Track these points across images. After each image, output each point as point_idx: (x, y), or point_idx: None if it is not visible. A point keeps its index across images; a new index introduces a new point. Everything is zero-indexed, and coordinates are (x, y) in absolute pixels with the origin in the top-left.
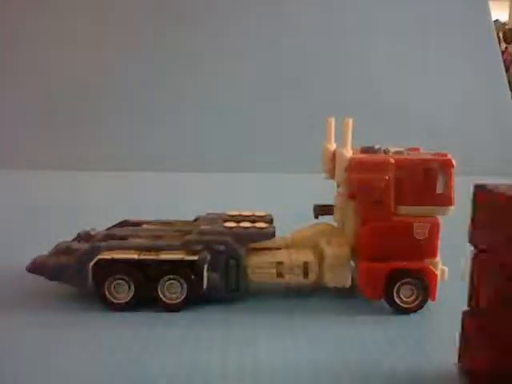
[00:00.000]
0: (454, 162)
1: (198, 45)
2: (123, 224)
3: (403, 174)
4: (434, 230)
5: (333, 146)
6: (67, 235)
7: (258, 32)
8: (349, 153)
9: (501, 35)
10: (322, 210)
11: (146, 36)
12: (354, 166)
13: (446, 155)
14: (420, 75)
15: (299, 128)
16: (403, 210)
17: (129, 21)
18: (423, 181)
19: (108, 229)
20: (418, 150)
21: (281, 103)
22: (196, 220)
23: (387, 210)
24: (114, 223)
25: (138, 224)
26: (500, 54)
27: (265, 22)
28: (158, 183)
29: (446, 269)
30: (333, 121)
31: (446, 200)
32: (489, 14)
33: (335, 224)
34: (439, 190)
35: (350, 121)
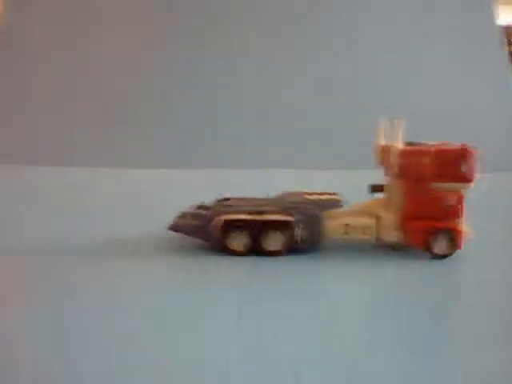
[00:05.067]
0: (473, 150)
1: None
2: (226, 200)
3: (438, 159)
4: (459, 199)
5: (383, 141)
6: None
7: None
8: (400, 145)
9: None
10: (375, 188)
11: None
12: (404, 154)
13: (466, 145)
14: (427, 78)
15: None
16: (438, 185)
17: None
18: (452, 164)
19: (217, 202)
20: (447, 143)
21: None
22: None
23: (427, 186)
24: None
25: (239, 200)
26: (507, 56)
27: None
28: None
29: (468, 228)
30: (384, 121)
31: (467, 178)
32: (495, 16)
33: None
34: (463, 171)
35: (402, 121)
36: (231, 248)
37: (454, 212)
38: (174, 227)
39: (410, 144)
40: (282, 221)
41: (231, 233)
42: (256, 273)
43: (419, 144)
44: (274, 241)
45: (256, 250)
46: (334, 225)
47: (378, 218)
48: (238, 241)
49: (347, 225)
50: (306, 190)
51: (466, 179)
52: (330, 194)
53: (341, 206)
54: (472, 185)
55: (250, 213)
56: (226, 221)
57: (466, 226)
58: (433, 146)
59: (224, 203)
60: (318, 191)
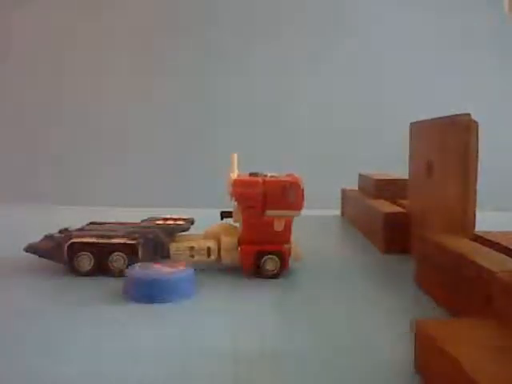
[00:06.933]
0: (299, 181)
1: None
2: (90, 224)
3: (267, 189)
4: (287, 225)
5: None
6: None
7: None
8: (235, 175)
9: None
10: (225, 214)
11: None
12: (237, 183)
13: (294, 176)
14: None
15: None
16: (268, 213)
17: None
18: (280, 194)
19: (79, 228)
20: (286, 175)
21: None
22: (142, 222)
23: (258, 213)
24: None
25: (102, 223)
26: None
27: None
28: None
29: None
30: (236, 156)
31: (295, 207)
32: None
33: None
34: (291, 200)
35: (235, 155)
36: (78, 269)
37: (282, 237)
38: (30, 248)
39: (253, 175)
40: (125, 243)
41: (78, 254)
42: (102, 293)
43: (262, 175)
44: (118, 262)
45: (102, 270)
46: (179, 247)
47: (219, 241)
48: (85, 262)
49: (192, 247)
50: (164, 216)
51: (293, 207)
52: (184, 219)
53: (187, 229)
54: (300, 212)
55: (96, 236)
56: (72, 243)
57: (295, 248)
58: (271, 176)
59: (82, 228)
60: (175, 217)
